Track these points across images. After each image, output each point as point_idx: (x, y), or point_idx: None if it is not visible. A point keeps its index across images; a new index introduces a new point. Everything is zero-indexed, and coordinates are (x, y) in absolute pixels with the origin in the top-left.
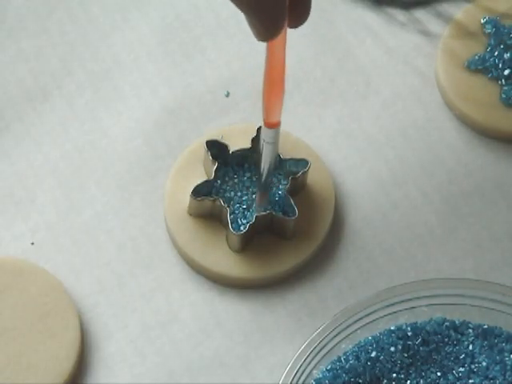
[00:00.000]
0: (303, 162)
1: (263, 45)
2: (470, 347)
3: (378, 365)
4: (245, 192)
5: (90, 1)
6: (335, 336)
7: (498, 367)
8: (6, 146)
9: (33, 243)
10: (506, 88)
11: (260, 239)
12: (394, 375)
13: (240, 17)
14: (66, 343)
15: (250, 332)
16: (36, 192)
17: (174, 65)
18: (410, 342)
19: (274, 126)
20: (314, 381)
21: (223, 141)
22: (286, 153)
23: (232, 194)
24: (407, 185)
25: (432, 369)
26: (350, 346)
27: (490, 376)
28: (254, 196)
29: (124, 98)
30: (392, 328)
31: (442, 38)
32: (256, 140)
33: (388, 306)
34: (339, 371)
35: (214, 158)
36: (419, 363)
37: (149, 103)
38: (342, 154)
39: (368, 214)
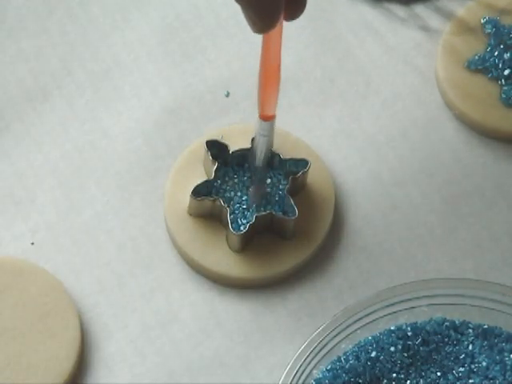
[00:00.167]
0: (303, 162)
1: None
2: (470, 347)
3: (378, 365)
4: (245, 192)
5: (89, 1)
6: (335, 336)
7: (497, 367)
8: (5, 145)
9: (33, 243)
10: (505, 88)
11: (260, 239)
12: (394, 375)
13: (240, 17)
14: (65, 343)
15: (250, 332)
16: (36, 192)
17: (173, 65)
18: (409, 342)
19: (268, 118)
20: (314, 381)
21: (223, 141)
22: (286, 153)
23: (232, 193)
24: (407, 185)
25: (432, 369)
26: (350, 346)
27: (490, 376)
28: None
29: (124, 98)
30: (392, 328)
31: (441, 39)
32: None
33: (388, 305)
34: (339, 371)
35: (214, 158)
36: (419, 363)
37: (149, 103)
38: (341, 153)
39: (368, 214)
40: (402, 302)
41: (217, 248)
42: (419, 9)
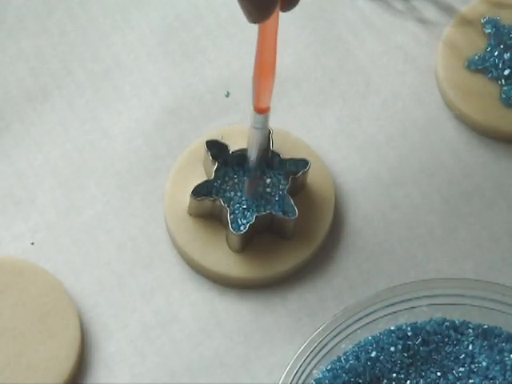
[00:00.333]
0: (303, 162)
1: None
2: (470, 347)
3: (378, 365)
4: None
5: (89, 1)
6: (335, 336)
7: (497, 367)
8: (5, 145)
9: (33, 243)
10: (505, 88)
11: (260, 239)
12: (394, 375)
13: (240, 17)
14: (65, 343)
15: (250, 332)
16: (36, 192)
17: (173, 65)
18: (410, 342)
19: (263, 111)
20: (314, 381)
21: (223, 141)
22: (286, 153)
23: (232, 193)
24: (407, 185)
25: (432, 369)
26: (350, 346)
27: (490, 376)
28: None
29: (124, 98)
30: (392, 328)
31: (442, 37)
32: None
33: (388, 305)
34: (339, 371)
35: (214, 158)
36: (419, 363)
37: (149, 103)
38: (341, 153)
39: (368, 214)
40: (402, 302)
41: (217, 248)
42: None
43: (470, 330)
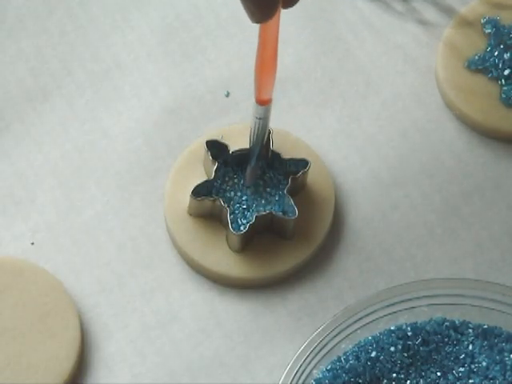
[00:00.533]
0: (303, 162)
1: None
2: (470, 347)
3: (378, 365)
4: (245, 192)
5: (89, 1)
6: (335, 336)
7: (497, 367)
8: (6, 145)
9: (33, 243)
10: (505, 88)
11: (260, 239)
12: (394, 375)
13: (240, 17)
14: (65, 343)
15: (250, 332)
16: (36, 192)
17: (173, 65)
18: (409, 342)
19: (265, 102)
20: (314, 381)
21: (223, 141)
22: (286, 153)
23: (232, 193)
24: (407, 185)
25: (432, 369)
26: (350, 346)
27: (490, 376)
28: (254, 196)
29: (124, 98)
30: (392, 328)
31: (441, 39)
32: None
33: (388, 305)
34: (339, 371)
35: (214, 158)
36: (419, 363)
37: (149, 103)
38: (341, 153)
39: (368, 214)
40: (402, 302)
41: (217, 248)
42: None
43: (470, 330)
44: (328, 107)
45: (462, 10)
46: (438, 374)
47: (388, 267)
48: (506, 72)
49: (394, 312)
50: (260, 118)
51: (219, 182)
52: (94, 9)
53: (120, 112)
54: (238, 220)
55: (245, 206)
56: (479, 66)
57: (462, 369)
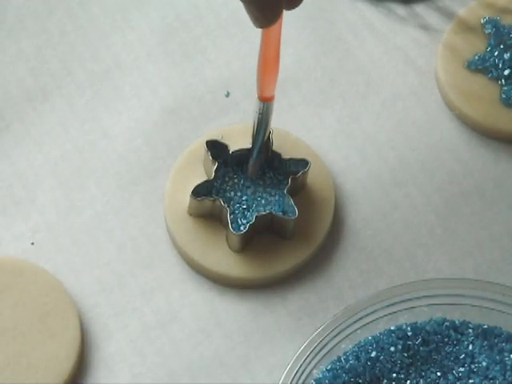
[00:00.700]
0: (303, 162)
1: None
2: (470, 347)
3: (378, 365)
4: (245, 192)
5: (89, 1)
6: (335, 336)
7: (497, 367)
8: (6, 145)
9: (33, 243)
10: (505, 88)
11: (260, 239)
12: (394, 375)
13: (240, 17)
14: (65, 343)
15: (250, 332)
16: (36, 192)
17: (173, 65)
18: (409, 342)
19: (267, 100)
20: (314, 381)
21: (223, 141)
22: (286, 153)
23: (232, 193)
24: (407, 185)
25: (432, 369)
26: (350, 346)
27: (490, 376)
28: (254, 196)
29: (124, 98)
30: (392, 328)
31: (442, 39)
32: None
33: (388, 305)
34: (339, 371)
35: (214, 158)
36: (419, 363)
37: (149, 103)
38: (341, 153)
39: (368, 214)
40: (402, 302)
41: (217, 248)
42: (420, 8)
43: (470, 330)
44: (328, 107)
45: (462, 11)
46: (438, 373)
47: (388, 267)
48: (506, 72)
49: (394, 312)
50: (261, 114)
51: (219, 181)
52: (94, 9)
53: (120, 112)
54: (238, 220)
55: (245, 206)
56: (479, 66)
57: (461, 369)
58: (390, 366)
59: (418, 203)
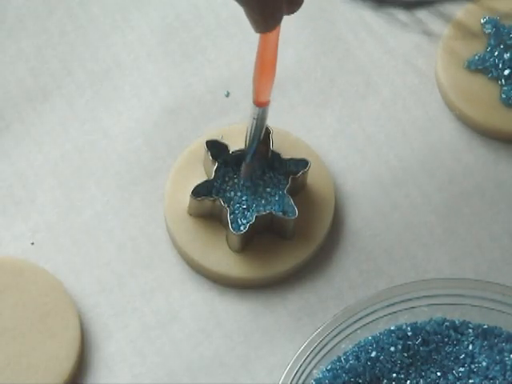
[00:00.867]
0: (303, 162)
1: None
2: (470, 347)
3: (378, 365)
4: (245, 192)
5: (89, 1)
6: (335, 336)
7: (498, 367)
8: (6, 145)
9: (33, 243)
10: (505, 88)
11: (260, 239)
12: (394, 375)
13: (240, 17)
14: (65, 343)
15: (250, 332)
16: (36, 192)
17: (173, 65)
18: (409, 342)
19: (262, 104)
20: (314, 381)
21: (223, 141)
22: (286, 153)
23: (232, 193)
24: (407, 185)
25: (432, 369)
26: (350, 346)
27: (490, 376)
28: (254, 196)
29: (124, 98)
30: (392, 328)
31: (442, 38)
32: None
33: (388, 306)
34: (339, 371)
35: (214, 158)
36: (419, 363)
37: (149, 103)
38: (341, 153)
39: (368, 214)
40: (402, 302)
41: (217, 248)
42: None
43: (470, 330)
44: (328, 107)
45: (462, 11)
46: (438, 374)
47: (388, 267)
48: (506, 72)
49: (394, 312)
50: (256, 118)
51: (219, 181)
52: (94, 9)
53: (120, 112)
54: (238, 220)
55: (245, 206)
56: (479, 66)
57: (461, 369)
58: (389, 366)
59: (418, 203)
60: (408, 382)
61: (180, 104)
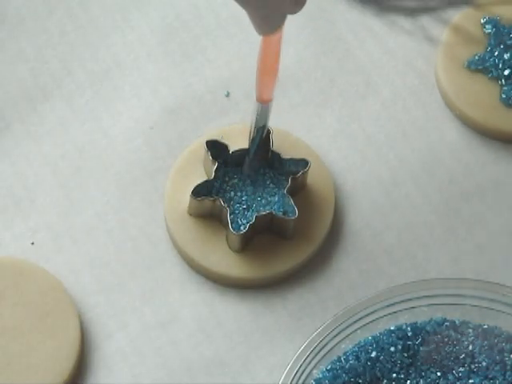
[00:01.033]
0: (303, 162)
1: None
2: (470, 347)
3: (378, 365)
4: (245, 192)
5: (89, 1)
6: (335, 336)
7: (497, 367)
8: (5, 145)
9: (33, 243)
10: (505, 88)
11: (260, 239)
12: (394, 375)
13: (240, 17)
14: (65, 343)
15: (250, 332)
16: (36, 192)
17: (173, 65)
18: (409, 342)
19: (266, 102)
20: (314, 381)
21: (223, 141)
22: (286, 153)
23: (232, 194)
24: (407, 185)
25: (432, 369)
26: (350, 346)
27: (490, 376)
28: (254, 196)
29: (124, 98)
30: (392, 328)
31: (442, 39)
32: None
33: (388, 306)
34: (339, 371)
35: (214, 158)
36: (419, 363)
37: (149, 103)
38: (341, 153)
39: (368, 214)
40: (402, 302)
41: (217, 248)
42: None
43: (470, 330)
44: (328, 107)
45: (462, 11)
46: (438, 374)
47: (388, 267)
48: (506, 72)
49: (394, 312)
50: (259, 115)
51: (219, 182)
52: (94, 9)
53: (120, 112)
54: (238, 220)
55: (245, 206)
56: (479, 66)
57: (461, 369)
58: (390, 366)
59: (418, 203)
60: (408, 382)
61: (180, 104)
